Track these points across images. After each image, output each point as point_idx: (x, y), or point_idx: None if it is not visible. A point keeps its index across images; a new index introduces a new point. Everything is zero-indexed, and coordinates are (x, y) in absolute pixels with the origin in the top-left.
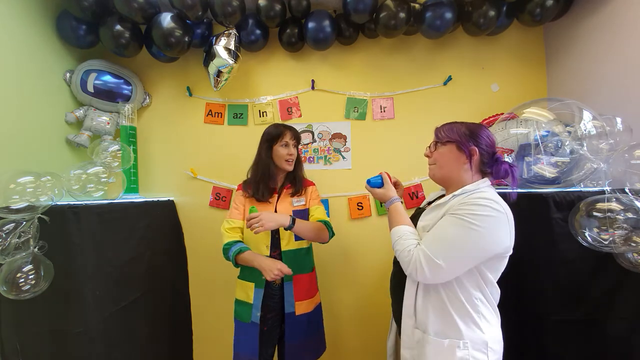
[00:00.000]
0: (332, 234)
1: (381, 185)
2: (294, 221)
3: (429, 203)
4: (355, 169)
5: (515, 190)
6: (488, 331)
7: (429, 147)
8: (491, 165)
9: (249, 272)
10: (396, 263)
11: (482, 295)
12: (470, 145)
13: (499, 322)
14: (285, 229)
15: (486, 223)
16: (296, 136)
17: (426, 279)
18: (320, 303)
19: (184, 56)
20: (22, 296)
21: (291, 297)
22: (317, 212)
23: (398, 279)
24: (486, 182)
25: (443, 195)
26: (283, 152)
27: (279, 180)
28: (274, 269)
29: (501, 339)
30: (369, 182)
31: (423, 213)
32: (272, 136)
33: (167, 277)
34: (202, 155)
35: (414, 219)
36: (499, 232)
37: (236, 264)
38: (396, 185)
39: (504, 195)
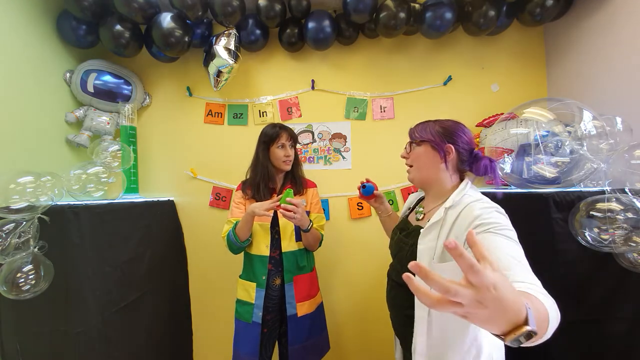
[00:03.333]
0: (319, 246)
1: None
2: (310, 228)
3: (410, 209)
4: (355, 169)
5: (501, 190)
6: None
7: (405, 148)
8: (470, 163)
9: (250, 272)
10: (391, 279)
11: None
12: (444, 144)
13: None
14: (302, 230)
15: (508, 221)
16: (292, 136)
17: None
18: (322, 303)
19: (184, 56)
20: (22, 296)
21: (292, 298)
22: (316, 222)
23: (395, 295)
24: (467, 184)
25: (422, 198)
26: (280, 154)
27: (278, 180)
28: (264, 206)
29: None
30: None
31: (420, 236)
32: (269, 137)
33: (167, 277)
34: (202, 155)
35: (402, 228)
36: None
37: (242, 242)
38: (378, 196)
39: (493, 196)
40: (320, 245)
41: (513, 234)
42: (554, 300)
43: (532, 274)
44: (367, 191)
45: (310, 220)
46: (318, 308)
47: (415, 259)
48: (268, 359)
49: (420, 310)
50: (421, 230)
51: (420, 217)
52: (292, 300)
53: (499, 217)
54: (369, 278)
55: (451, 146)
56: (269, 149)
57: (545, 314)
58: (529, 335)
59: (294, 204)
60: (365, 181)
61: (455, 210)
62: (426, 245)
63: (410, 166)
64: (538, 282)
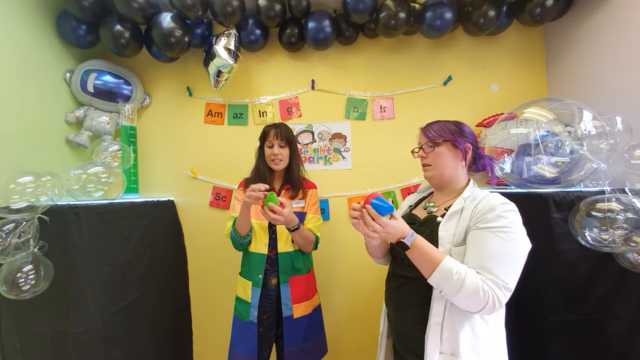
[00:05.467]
0: (315, 248)
1: (389, 209)
2: (298, 227)
3: (412, 207)
4: (355, 169)
5: (499, 190)
6: (502, 327)
7: (422, 148)
8: (477, 160)
9: (247, 270)
10: (396, 277)
11: None
12: (464, 142)
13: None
14: (288, 229)
15: (519, 225)
16: (282, 135)
17: (498, 310)
18: (320, 305)
19: (184, 56)
20: (22, 296)
21: (288, 300)
22: (312, 223)
23: (403, 291)
24: (473, 183)
25: (424, 198)
26: (268, 152)
27: (275, 179)
28: (253, 191)
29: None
30: (382, 209)
31: (442, 223)
32: (261, 136)
33: (167, 277)
34: (202, 155)
35: (410, 222)
36: (523, 227)
37: (242, 237)
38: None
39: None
40: (315, 248)
41: (511, 234)
42: (468, 278)
43: (504, 268)
44: (387, 210)
45: (299, 221)
46: (315, 310)
47: (435, 246)
48: (264, 359)
49: (437, 303)
50: (442, 218)
51: (434, 210)
52: (288, 302)
53: (508, 214)
54: (369, 278)
55: (470, 145)
56: (263, 148)
57: (436, 259)
58: (404, 245)
59: (274, 211)
60: (372, 196)
61: (474, 201)
62: (448, 232)
63: (428, 165)
64: (493, 272)
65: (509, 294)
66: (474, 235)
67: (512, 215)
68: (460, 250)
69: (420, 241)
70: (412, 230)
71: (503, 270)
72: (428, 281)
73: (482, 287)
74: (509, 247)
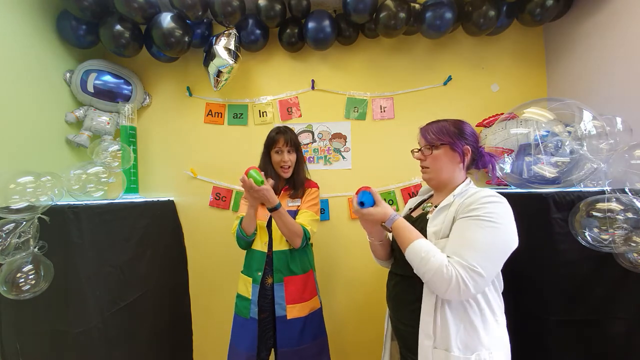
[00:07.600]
0: (306, 244)
1: (373, 202)
2: (277, 208)
3: (412, 209)
4: (355, 169)
5: (500, 190)
6: (502, 327)
7: (421, 150)
8: (477, 159)
9: (248, 267)
10: (393, 276)
11: (493, 287)
12: (462, 145)
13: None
14: (268, 209)
15: (505, 218)
16: (290, 142)
17: (468, 295)
18: (321, 308)
19: (184, 56)
20: (22, 296)
21: (282, 299)
22: (302, 217)
23: (399, 290)
24: (470, 181)
25: (424, 200)
26: (277, 159)
27: (281, 181)
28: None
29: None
30: (363, 203)
31: (430, 219)
32: (269, 142)
33: (167, 277)
34: (202, 155)
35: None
36: (513, 222)
37: (248, 235)
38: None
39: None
40: (305, 244)
41: (490, 222)
42: (435, 257)
43: (474, 253)
44: (369, 202)
45: (279, 203)
46: (313, 313)
47: None
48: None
49: (428, 298)
50: (431, 215)
51: (430, 210)
52: (282, 302)
53: (493, 206)
54: (370, 279)
55: (469, 147)
56: (270, 153)
57: (410, 238)
58: (386, 227)
59: (246, 183)
60: (361, 189)
61: (462, 197)
62: (436, 228)
63: (426, 167)
64: (462, 256)
65: (478, 279)
66: (455, 225)
67: (495, 206)
68: (443, 242)
69: (401, 223)
70: (394, 214)
71: (473, 255)
72: (406, 257)
73: (445, 265)
74: (485, 234)
